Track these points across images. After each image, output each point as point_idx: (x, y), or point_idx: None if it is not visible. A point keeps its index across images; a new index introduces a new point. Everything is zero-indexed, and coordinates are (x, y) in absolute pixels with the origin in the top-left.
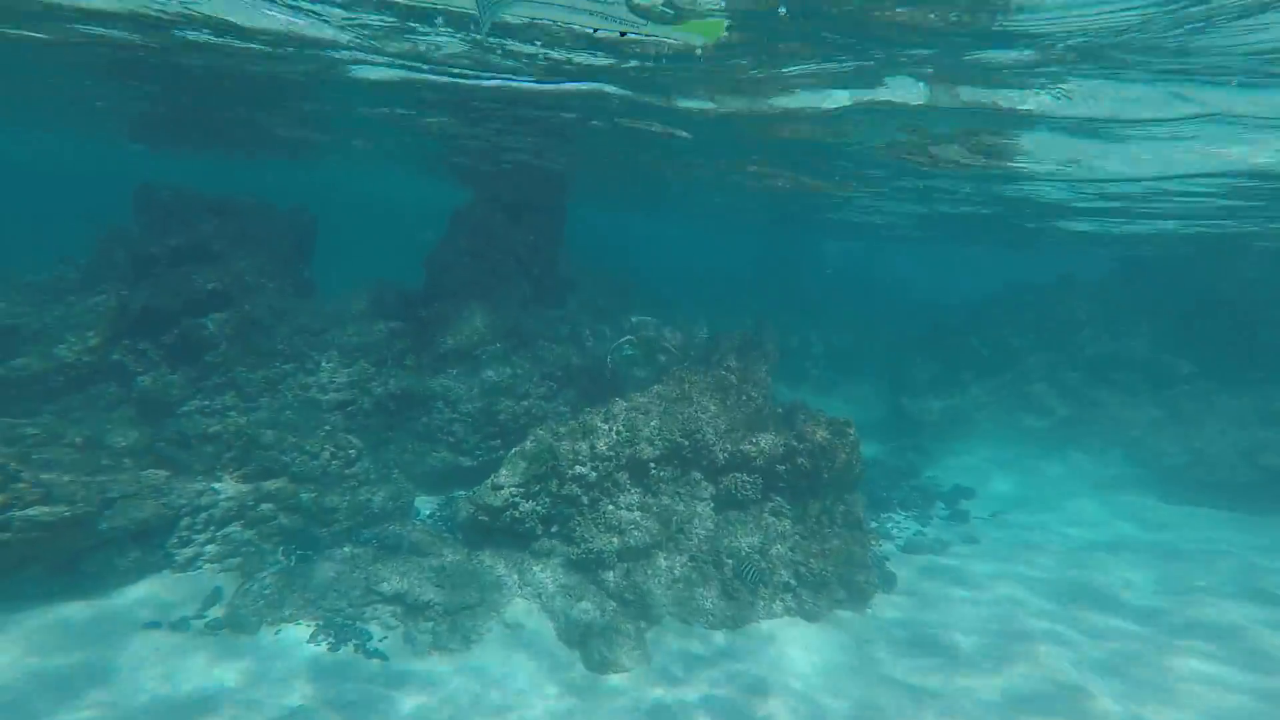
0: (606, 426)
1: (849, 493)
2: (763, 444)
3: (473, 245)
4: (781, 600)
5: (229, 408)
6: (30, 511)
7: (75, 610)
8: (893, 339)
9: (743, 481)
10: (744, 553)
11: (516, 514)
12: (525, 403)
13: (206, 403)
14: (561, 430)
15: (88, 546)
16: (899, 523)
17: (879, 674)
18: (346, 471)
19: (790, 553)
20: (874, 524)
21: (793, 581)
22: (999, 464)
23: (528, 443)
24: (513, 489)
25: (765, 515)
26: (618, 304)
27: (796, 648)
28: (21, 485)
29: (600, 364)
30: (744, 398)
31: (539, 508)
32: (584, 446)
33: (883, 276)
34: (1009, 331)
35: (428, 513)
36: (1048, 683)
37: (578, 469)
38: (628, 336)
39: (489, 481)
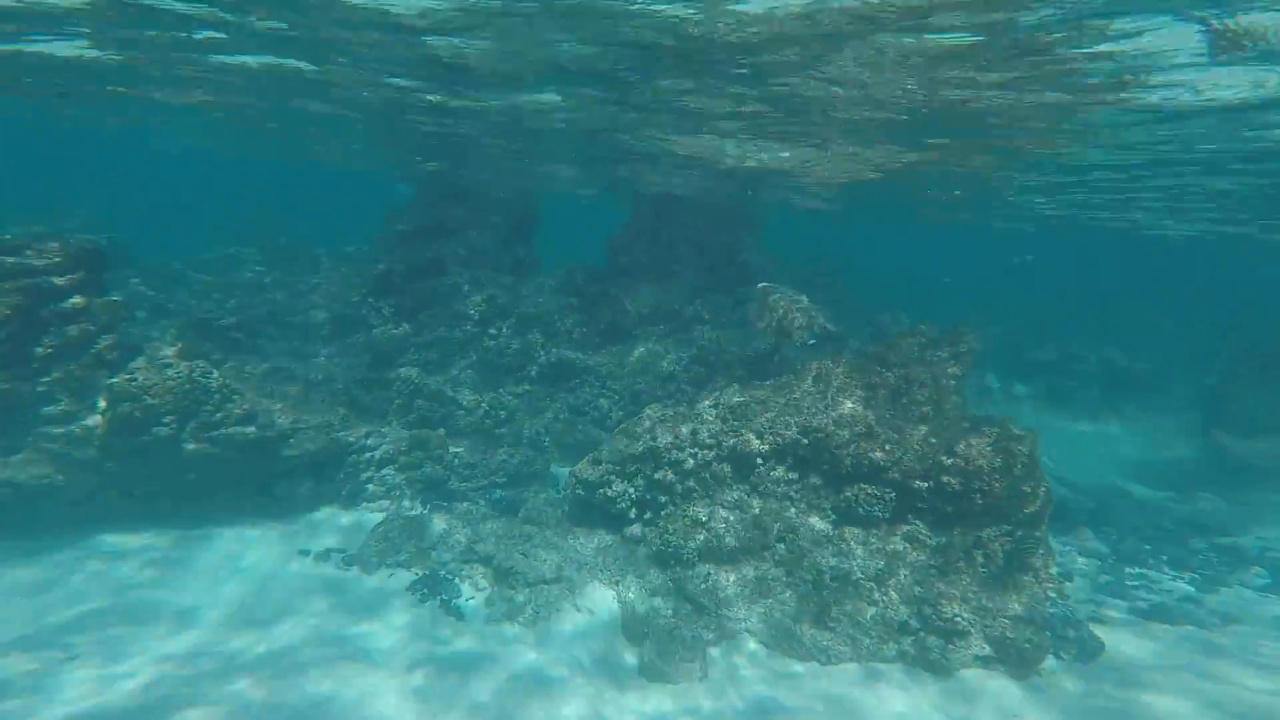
0: (714, 412)
1: (1024, 528)
2: (899, 454)
3: (652, 226)
4: (896, 643)
5: (431, 363)
6: (233, 430)
7: (267, 528)
8: (1214, 357)
9: (868, 494)
10: (855, 576)
11: (609, 493)
12: (670, 384)
13: (415, 355)
14: (669, 413)
15: (277, 472)
16: (1155, 584)
17: None
18: (497, 431)
19: (915, 587)
20: (1107, 578)
21: (914, 623)
22: None
23: (632, 421)
24: (609, 466)
25: (894, 539)
26: (814, 299)
27: (899, 705)
28: (233, 406)
29: (762, 353)
30: (905, 400)
31: (632, 490)
32: (685, 431)
33: (1202, 279)
34: None
35: (563, 482)
36: None
37: (675, 454)
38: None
39: (590, 455)
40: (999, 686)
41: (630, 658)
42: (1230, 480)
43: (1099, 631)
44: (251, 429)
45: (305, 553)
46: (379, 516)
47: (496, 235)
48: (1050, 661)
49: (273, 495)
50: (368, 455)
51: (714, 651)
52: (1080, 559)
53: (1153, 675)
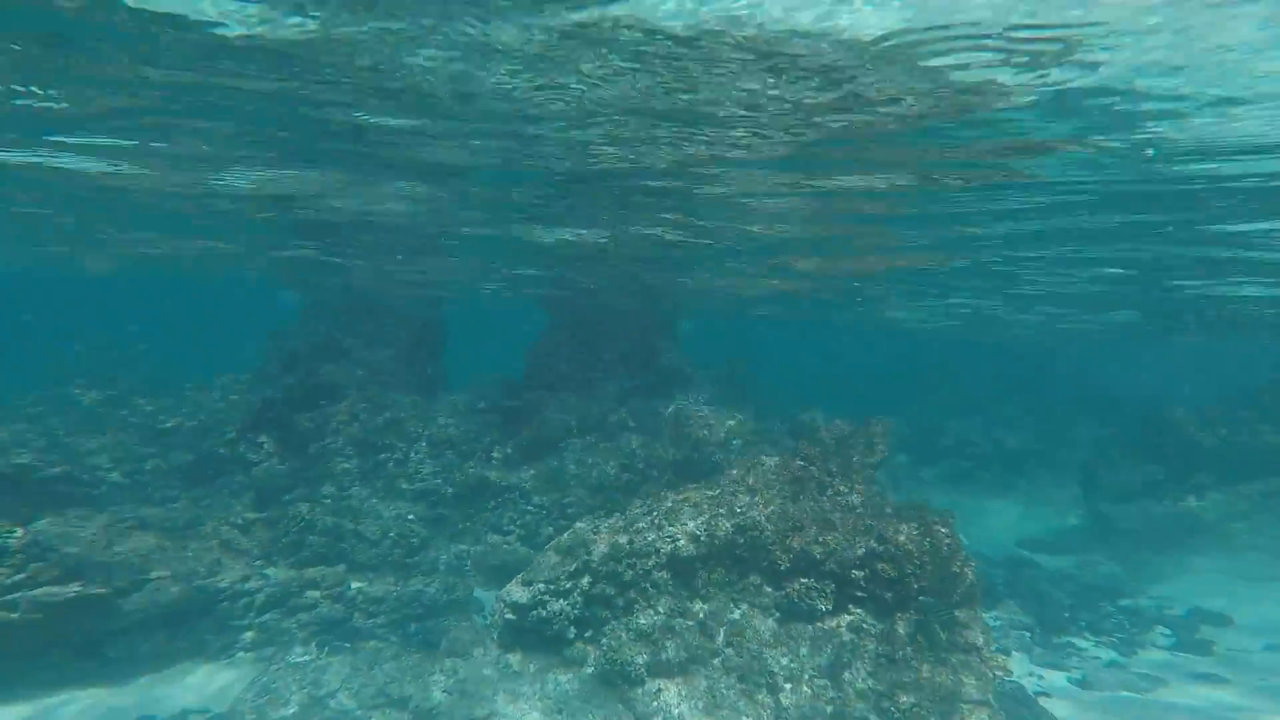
0: (648, 520)
1: (960, 607)
2: (831, 544)
3: (571, 336)
4: None
5: (325, 496)
6: (38, 591)
7: (82, 696)
8: (1084, 437)
9: (809, 588)
10: (808, 674)
11: (544, 613)
12: (601, 495)
13: (308, 490)
14: (601, 523)
15: (113, 630)
16: (1082, 651)
17: None
18: (409, 561)
19: (870, 681)
20: (1039, 649)
21: (873, 717)
22: (1268, 585)
23: (563, 535)
24: (541, 585)
25: (841, 631)
26: (731, 398)
27: None
28: (44, 564)
29: (691, 458)
30: (829, 493)
31: (569, 608)
32: (621, 541)
33: (1067, 370)
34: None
35: (490, 608)
36: None
37: (611, 565)
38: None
39: (519, 576)
40: None
41: None
42: (1114, 543)
43: (1046, 705)
44: (74, 587)
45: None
46: (259, 668)
47: (399, 351)
48: None
49: (101, 657)
50: (244, 600)
51: None
52: (1011, 631)
53: None
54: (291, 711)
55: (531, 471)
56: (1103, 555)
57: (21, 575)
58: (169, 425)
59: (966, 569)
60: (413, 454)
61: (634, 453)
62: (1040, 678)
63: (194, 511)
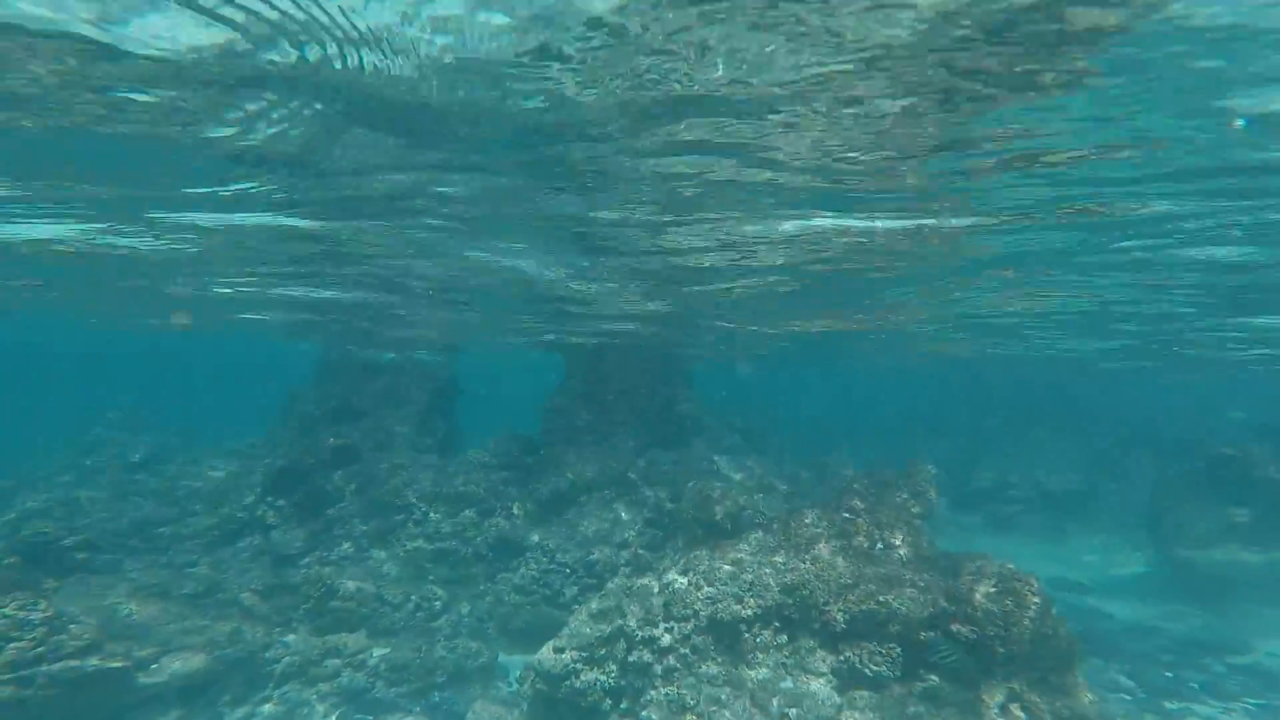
0: (685, 580)
1: (1056, 675)
2: (896, 604)
3: (586, 388)
4: None
5: (344, 558)
6: (56, 666)
7: None
8: (1138, 476)
9: (871, 653)
10: None
11: (578, 684)
12: (625, 552)
13: (325, 553)
14: (634, 584)
15: (130, 704)
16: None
17: None
18: (431, 625)
19: None
20: (1150, 717)
21: None
22: None
23: (595, 599)
24: (573, 654)
25: (912, 701)
26: (751, 445)
27: None
28: (64, 637)
29: (715, 512)
30: (878, 546)
31: (604, 678)
32: (657, 603)
33: (1114, 407)
34: None
35: (518, 674)
36: None
37: (649, 630)
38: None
39: (550, 643)
40: None
41: None
42: (1199, 591)
43: None
44: (94, 661)
45: None
46: None
47: (414, 411)
48: None
49: None
50: (265, 670)
51: None
52: (1108, 695)
53: None
54: None
55: (553, 529)
56: (1187, 605)
57: (42, 649)
58: (190, 489)
59: (1059, 629)
60: (431, 514)
61: (657, 507)
62: None
63: (213, 577)
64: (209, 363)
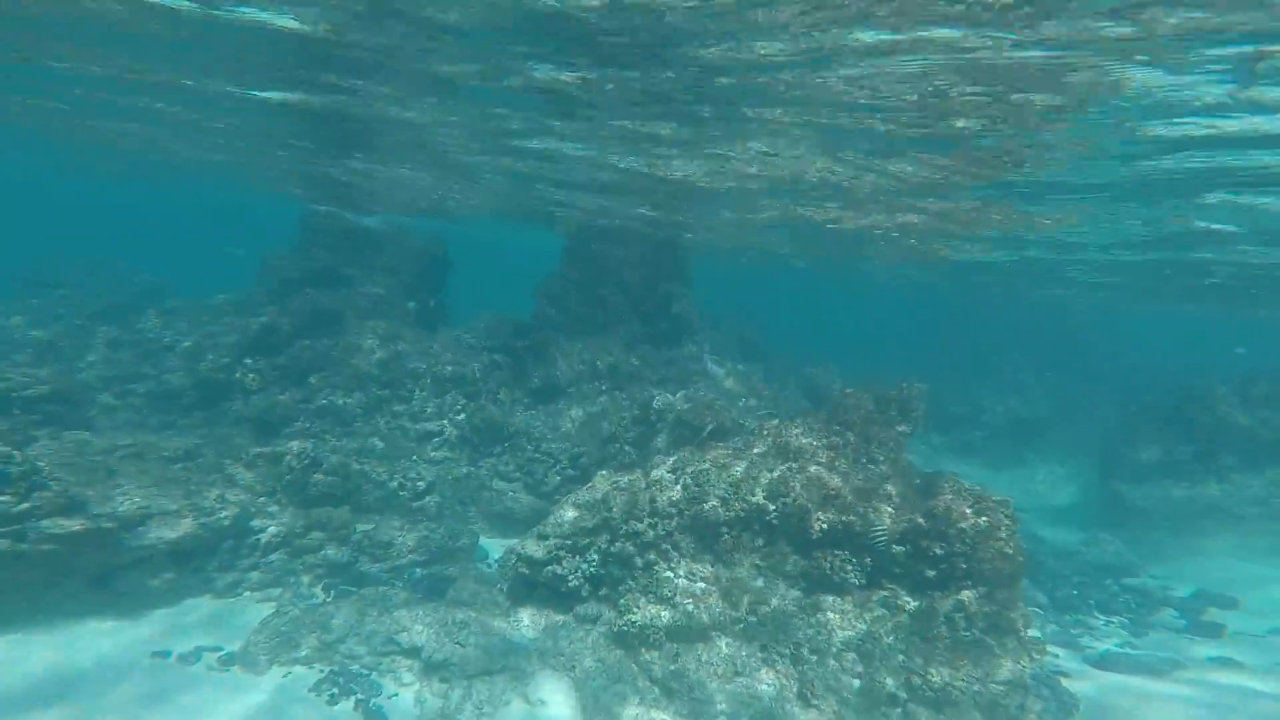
0: (673, 478)
1: (1002, 589)
2: (874, 516)
3: (582, 278)
4: (885, 715)
5: (327, 430)
6: (45, 523)
7: (94, 627)
8: (1109, 411)
9: (843, 560)
10: (835, 648)
11: (560, 569)
12: (611, 446)
13: (308, 424)
14: (622, 479)
15: (120, 564)
16: (1095, 629)
17: None
18: (413, 504)
19: (899, 655)
20: (1052, 627)
21: (902, 694)
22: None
23: (582, 490)
24: (557, 541)
25: (872, 605)
26: (743, 353)
27: None
28: (46, 494)
29: (704, 414)
30: (863, 461)
31: (586, 565)
32: (644, 499)
33: (1096, 338)
34: None
35: (496, 556)
36: None
37: (633, 524)
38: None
39: (535, 530)
40: None
41: None
42: (1125, 522)
43: (1066, 684)
44: (77, 521)
45: (163, 654)
46: (267, 608)
47: (401, 282)
48: None
49: (111, 589)
50: (251, 540)
51: None
52: (1025, 607)
53: None
54: (303, 654)
55: (540, 417)
56: (1111, 533)
57: (26, 505)
58: (162, 345)
59: (1019, 553)
60: (418, 392)
61: (646, 404)
62: (1056, 656)
63: (192, 441)
64: (185, 219)
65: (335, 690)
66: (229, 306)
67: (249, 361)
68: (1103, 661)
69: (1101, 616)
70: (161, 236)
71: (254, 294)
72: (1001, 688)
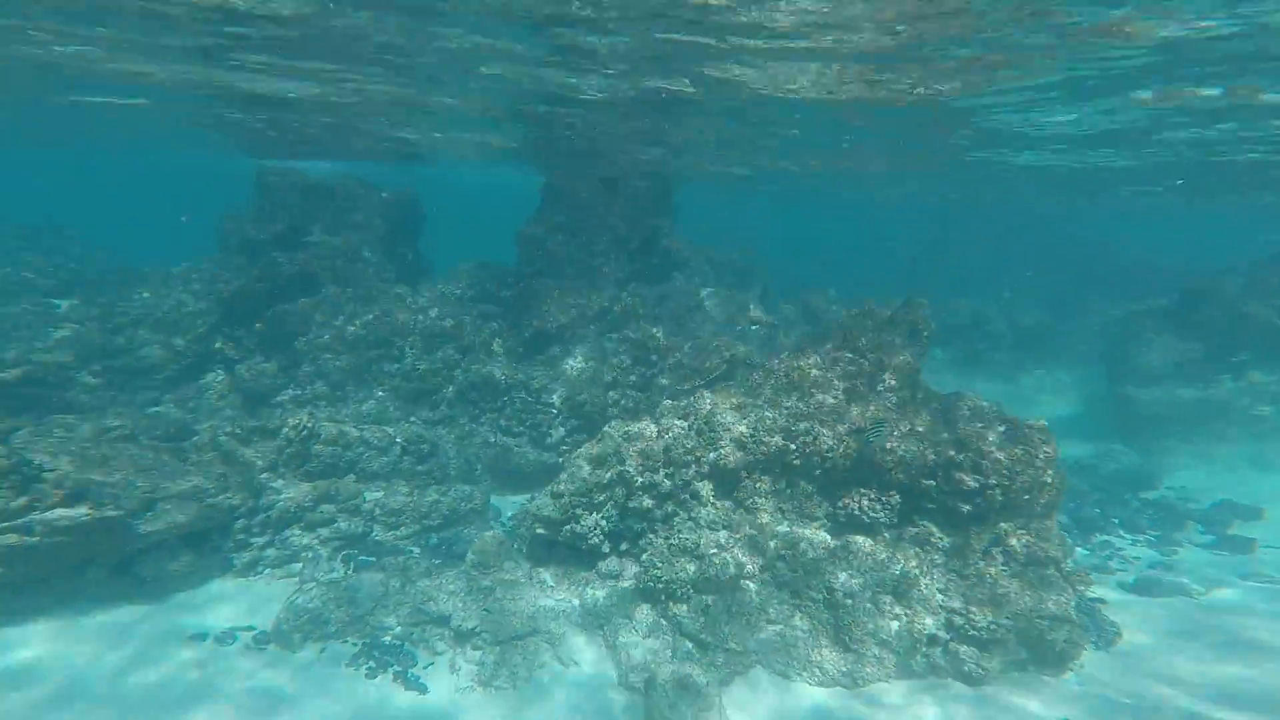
0: (685, 425)
1: (1039, 520)
2: (900, 449)
3: (566, 220)
4: (926, 656)
5: (320, 397)
6: (50, 515)
7: (124, 615)
8: (1112, 315)
9: (870, 500)
10: (870, 590)
11: (578, 528)
12: (613, 393)
13: (299, 391)
14: (631, 428)
15: (137, 549)
16: (1120, 551)
17: None
18: (419, 468)
19: (941, 596)
20: (1080, 550)
21: (942, 634)
22: None
23: (593, 443)
24: (573, 498)
25: (904, 545)
26: (733, 283)
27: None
28: (44, 485)
29: (703, 348)
30: (878, 388)
31: (604, 521)
32: (657, 449)
33: (1095, 241)
34: None
35: (509, 514)
36: None
37: (649, 476)
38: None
39: (548, 488)
40: (1038, 688)
41: (635, 715)
42: (1137, 429)
43: (1107, 613)
44: (83, 511)
45: (200, 637)
46: (289, 585)
47: (374, 237)
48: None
49: (135, 576)
50: (261, 517)
51: (733, 690)
52: None
53: (1174, 654)
54: (333, 629)
55: (537, 367)
56: (1123, 443)
57: (24, 498)
58: (133, 317)
59: (1059, 481)
60: (408, 350)
61: (644, 344)
62: (1087, 590)
63: (182, 418)
64: (130, 184)
65: (372, 664)
66: (195, 274)
67: (226, 330)
68: (1139, 587)
69: (1126, 535)
70: (104, 204)
71: (219, 260)
72: (1046, 623)
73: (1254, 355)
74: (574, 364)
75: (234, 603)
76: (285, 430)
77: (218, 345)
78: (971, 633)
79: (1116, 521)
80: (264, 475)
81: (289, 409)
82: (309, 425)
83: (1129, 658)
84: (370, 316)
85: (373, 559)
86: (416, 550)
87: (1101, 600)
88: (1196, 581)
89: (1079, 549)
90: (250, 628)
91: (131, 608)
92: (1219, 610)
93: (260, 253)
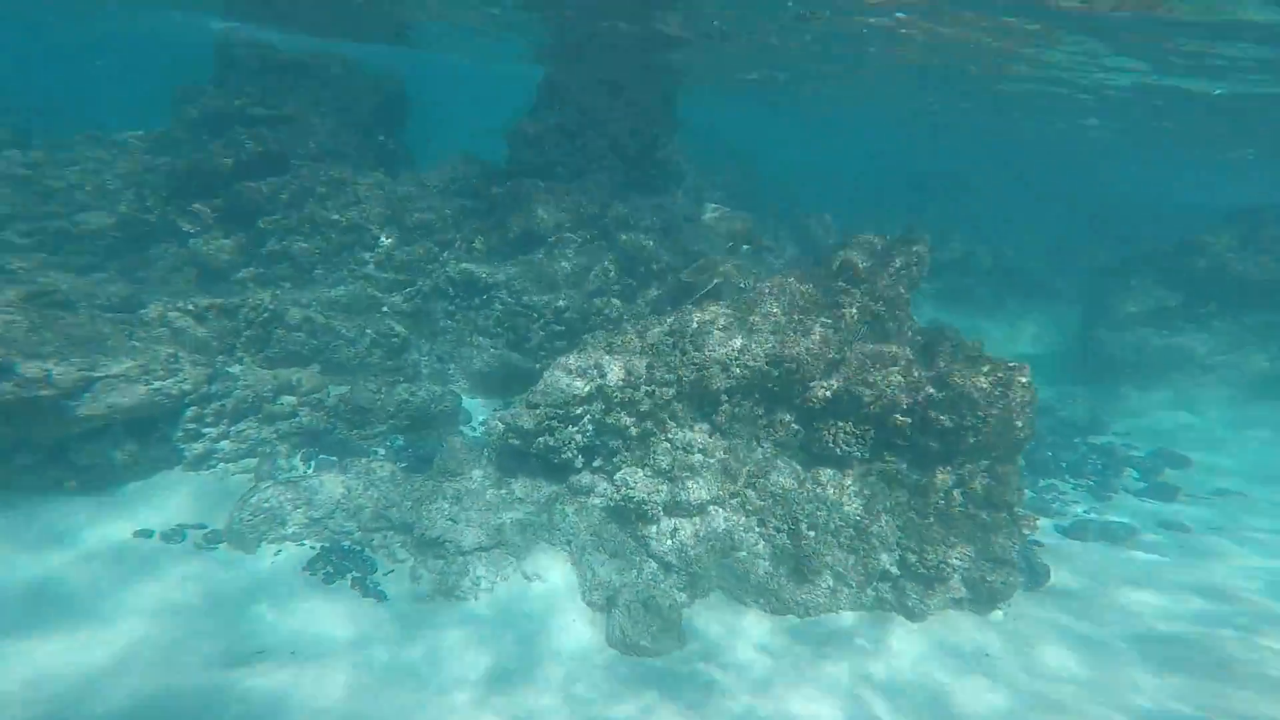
0: (670, 341)
1: (1002, 463)
2: (882, 384)
3: (561, 119)
4: (875, 589)
5: (285, 278)
6: None
7: (58, 507)
8: (1106, 257)
9: (846, 433)
10: (834, 523)
11: (552, 440)
12: (598, 300)
13: (262, 270)
14: (615, 341)
15: (74, 436)
16: (1063, 495)
17: (982, 696)
18: (388, 363)
19: (899, 533)
20: (1028, 493)
21: (894, 570)
22: (1234, 426)
23: (574, 353)
24: (548, 410)
25: (871, 479)
26: (731, 203)
27: (880, 648)
28: None
29: (694, 264)
30: (869, 320)
31: (579, 435)
32: (639, 364)
33: (1094, 181)
34: None
35: (481, 419)
36: None
37: (629, 392)
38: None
39: (524, 398)
40: (969, 624)
41: (597, 630)
42: (1100, 374)
43: (1040, 555)
44: (9, 386)
45: (145, 533)
46: (243, 480)
47: (353, 120)
48: None
49: (71, 463)
50: (215, 405)
51: (691, 611)
52: None
53: (1098, 595)
54: (290, 531)
55: (520, 269)
56: (1086, 387)
57: None
58: (69, 182)
59: (1029, 426)
60: (384, 239)
61: (634, 255)
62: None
63: (128, 287)
64: (79, 44)
65: (330, 569)
66: (145, 142)
67: (179, 202)
68: (1071, 530)
69: (1070, 480)
70: (57, 69)
71: (173, 130)
72: (990, 564)
73: (1221, 305)
74: (560, 268)
75: (184, 498)
76: (244, 310)
77: (170, 217)
78: (921, 571)
79: (1064, 465)
80: (220, 359)
81: (250, 288)
82: (271, 306)
83: (1059, 596)
84: (342, 200)
85: (335, 458)
86: (381, 451)
87: (1039, 543)
88: (1120, 528)
89: (1028, 491)
90: (201, 525)
91: (66, 499)
92: (1133, 553)
93: (226, 126)
